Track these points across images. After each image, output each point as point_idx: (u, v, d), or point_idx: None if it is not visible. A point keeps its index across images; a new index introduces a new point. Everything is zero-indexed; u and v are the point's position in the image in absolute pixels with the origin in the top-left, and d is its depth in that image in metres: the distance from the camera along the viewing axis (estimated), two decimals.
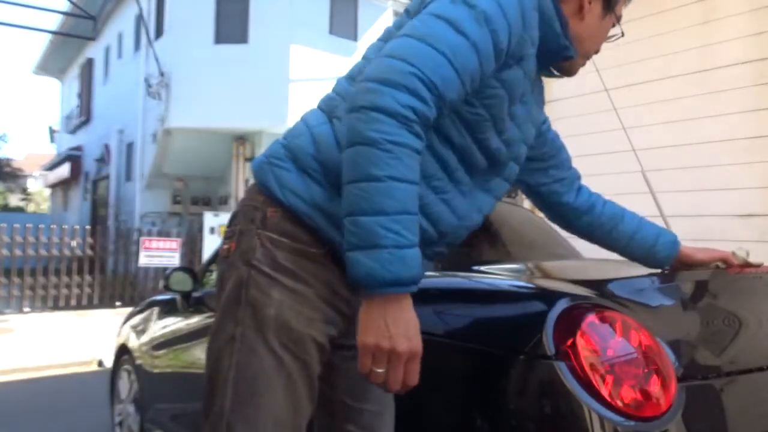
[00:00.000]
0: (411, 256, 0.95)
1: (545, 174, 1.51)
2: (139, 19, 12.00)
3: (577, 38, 1.26)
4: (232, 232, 1.17)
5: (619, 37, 1.41)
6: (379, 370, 0.98)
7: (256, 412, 1.07)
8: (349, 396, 1.26)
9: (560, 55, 1.25)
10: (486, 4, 1.05)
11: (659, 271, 1.69)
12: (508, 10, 1.07)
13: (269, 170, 1.16)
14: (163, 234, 10.70)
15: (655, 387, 1.24)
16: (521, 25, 1.10)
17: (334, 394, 1.27)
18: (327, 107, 1.21)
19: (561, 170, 1.53)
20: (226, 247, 1.17)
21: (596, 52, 1.36)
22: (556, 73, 1.34)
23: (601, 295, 1.44)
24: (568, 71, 1.33)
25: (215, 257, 3.09)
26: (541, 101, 1.38)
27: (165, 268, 8.28)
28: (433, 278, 1.89)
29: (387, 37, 1.21)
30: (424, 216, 1.12)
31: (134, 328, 3.61)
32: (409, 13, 1.20)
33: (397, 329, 0.96)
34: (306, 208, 1.11)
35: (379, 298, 0.96)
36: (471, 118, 1.13)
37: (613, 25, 1.35)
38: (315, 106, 1.27)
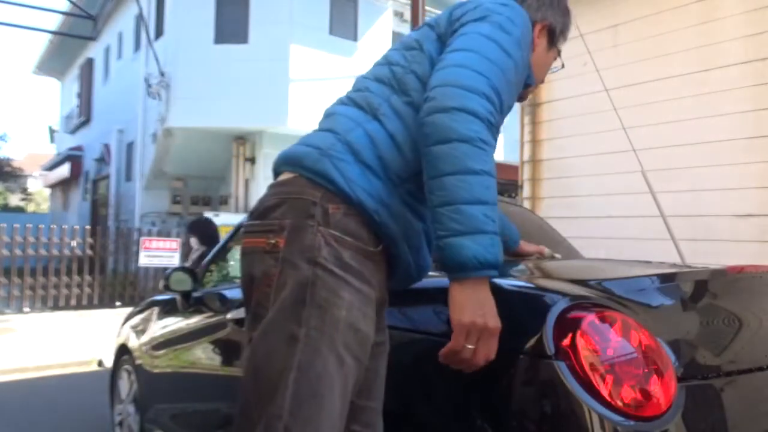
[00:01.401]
0: (497, 243, 1.06)
1: None
2: (139, 19, 12.00)
3: (532, 67, 1.37)
4: (276, 226, 1.11)
5: (559, 69, 1.60)
6: (470, 346, 1.07)
7: (317, 413, 1.05)
8: (357, 395, 1.24)
9: (524, 83, 1.33)
10: (517, 32, 1.20)
11: (659, 271, 1.69)
12: (525, 37, 1.23)
13: (330, 163, 1.12)
14: (163, 234, 10.70)
15: (655, 387, 1.24)
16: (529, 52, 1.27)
17: None
18: (367, 106, 1.23)
19: None
20: (272, 241, 1.11)
21: (541, 82, 1.47)
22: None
23: (601, 295, 1.44)
24: (522, 98, 1.42)
25: (216, 256, 3.09)
26: None
27: (165, 268, 8.28)
28: (433, 278, 1.89)
29: (409, 46, 1.27)
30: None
31: (134, 328, 3.61)
32: (433, 28, 1.27)
33: (488, 308, 1.06)
34: (373, 203, 1.12)
35: (474, 280, 1.05)
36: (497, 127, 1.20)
37: (555, 59, 1.50)
38: (341, 102, 1.30)
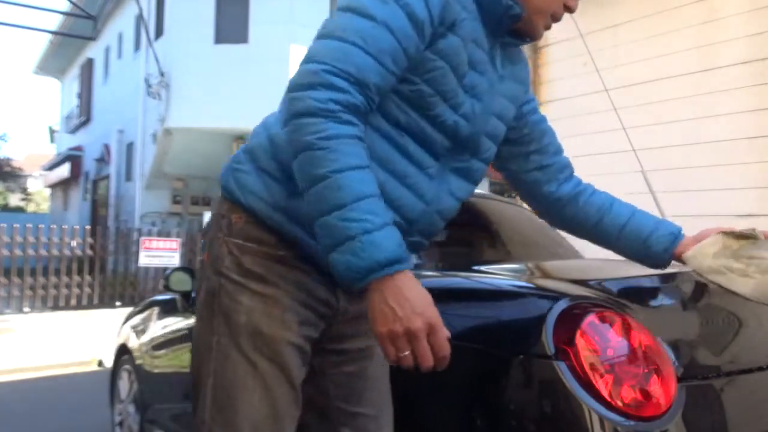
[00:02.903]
0: (383, 237, 0.93)
1: (526, 160, 1.40)
2: (139, 19, 12.00)
3: None
4: (204, 243, 1.20)
5: None
6: (405, 353, 0.95)
7: (234, 417, 1.08)
8: (343, 400, 1.24)
9: (507, 16, 1.14)
10: None
11: (659, 271, 1.69)
12: None
13: (231, 175, 1.17)
14: (163, 234, 10.70)
15: (655, 387, 1.24)
16: None
17: (327, 400, 1.25)
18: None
19: (544, 156, 1.41)
20: (201, 258, 1.20)
21: (568, 9, 1.23)
22: (518, 40, 1.24)
23: (601, 295, 1.44)
24: (530, 34, 1.22)
25: None
26: (520, 75, 1.31)
27: (165, 268, 8.28)
28: (434, 278, 1.89)
29: None
30: (385, 203, 1.05)
31: (134, 328, 3.61)
32: None
33: (403, 309, 0.93)
34: (266, 209, 1.11)
35: (374, 287, 0.93)
36: (414, 96, 1.09)
37: None
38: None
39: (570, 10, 1.23)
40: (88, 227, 10.98)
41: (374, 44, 1.00)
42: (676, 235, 1.39)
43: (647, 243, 1.39)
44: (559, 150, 1.47)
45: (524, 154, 1.40)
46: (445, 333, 0.97)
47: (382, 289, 0.93)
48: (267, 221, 1.11)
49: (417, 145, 1.12)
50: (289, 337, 1.10)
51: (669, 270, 1.75)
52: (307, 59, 1.01)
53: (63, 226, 10.56)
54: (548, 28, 1.24)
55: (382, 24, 1.02)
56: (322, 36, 1.03)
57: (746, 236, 1.28)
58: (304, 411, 1.18)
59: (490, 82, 1.19)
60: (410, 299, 0.93)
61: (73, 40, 16.53)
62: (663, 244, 1.38)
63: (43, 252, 9.75)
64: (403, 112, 1.09)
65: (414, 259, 1.13)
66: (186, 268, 3.05)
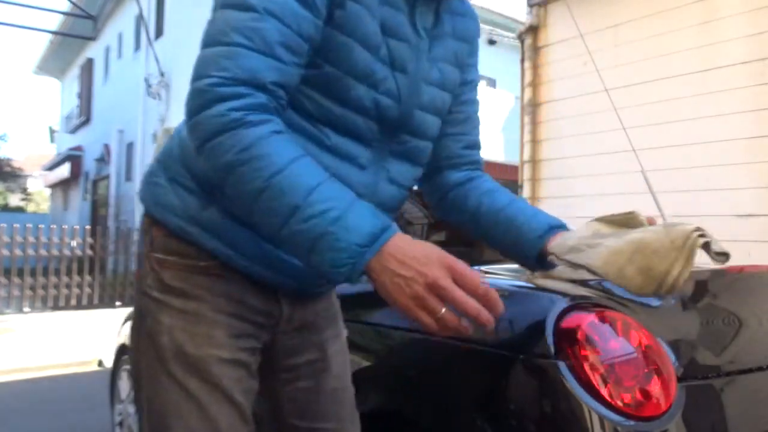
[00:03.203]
0: (353, 217, 0.82)
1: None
2: (139, 19, 12.00)
3: None
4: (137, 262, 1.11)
5: None
6: (442, 312, 0.80)
7: None
8: (298, 417, 1.16)
9: None
10: None
11: None
12: None
13: (147, 189, 1.08)
14: None
15: (655, 387, 1.24)
16: None
17: (282, 418, 1.17)
18: None
19: (453, 145, 1.24)
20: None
21: None
22: None
23: (601, 295, 1.44)
24: None
25: None
26: (462, 31, 1.15)
27: None
28: None
29: None
30: None
31: None
32: None
33: (412, 268, 0.80)
34: (178, 221, 1.01)
35: (372, 268, 0.82)
36: (323, 81, 0.95)
37: None
38: None
39: None
40: (88, 227, 10.98)
41: (260, 38, 0.88)
42: (557, 226, 1.17)
43: (522, 229, 1.17)
44: (473, 145, 1.26)
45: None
46: (467, 268, 0.82)
47: (380, 266, 0.82)
48: (179, 233, 1.01)
49: (339, 136, 0.98)
50: (220, 353, 0.99)
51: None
52: (194, 76, 0.89)
53: (63, 226, 10.56)
54: None
55: (264, 12, 0.88)
56: (205, 44, 0.91)
57: (622, 221, 1.08)
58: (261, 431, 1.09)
59: (415, 47, 1.03)
60: (414, 256, 0.81)
61: (73, 40, 16.54)
62: (538, 231, 1.16)
63: (43, 252, 9.74)
64: (314, 102, 0.96)
65: None
66: None
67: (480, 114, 1.28)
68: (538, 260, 1.16)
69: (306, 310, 1.14)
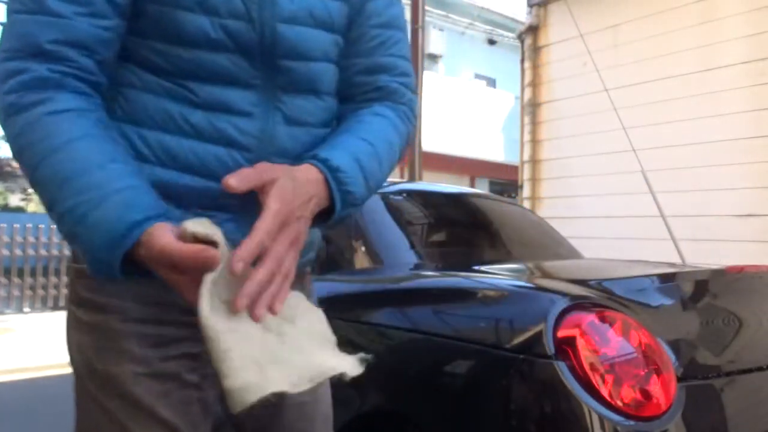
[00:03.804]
0: (98, 216, 0.71)
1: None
2: None
3: None
4: None
5: None
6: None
7: None
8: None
9: None
10: None
11: (659, 271, 1.69)
12: None
13: None
14: None
15: (655, 387, 1.24)
16: None
17: None
18: None
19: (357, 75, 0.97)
20: None
21: None
22: None
23: (601, 295, 1.44)
24: None
25: None
26: None
27: None
28: (433, 278, 1.89)
29: None
30: (184, 170, 0.83)
31: None
32: None
33: (160, 268, 0.72)
34: None
35: (141, 261, 0.72)
36: (155, 25, 0.81)
37: None
38: None
39: None
40: None
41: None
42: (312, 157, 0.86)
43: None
44: (373, 69, 0.96)
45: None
46: (179, 254, 0.69)
47: (143, 257, 0.72)
48: None
49: (207, 85, 0.83)
50: (134, 368, 0.84)
51: (669, 270, 1.75)
52: None
53: None
54: None
55: None
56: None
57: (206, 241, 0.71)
58: None
59: None
60: (157, 260, 0.72)
61: None
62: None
63: (43, 252, 9.74)
64: (160, 54, 0.82)
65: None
66: None
67: (396, 29, 0.99)
68: None
69: None
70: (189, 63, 0.81)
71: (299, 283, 0.94)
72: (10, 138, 0.76)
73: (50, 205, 0.74)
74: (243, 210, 0.82)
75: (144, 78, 0.83)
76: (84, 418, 0.89)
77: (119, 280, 0.78)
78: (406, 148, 0.99)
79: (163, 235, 0.70)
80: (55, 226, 0.85)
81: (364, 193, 0.87)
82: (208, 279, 0.68)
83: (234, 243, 0.72)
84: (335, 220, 0.84)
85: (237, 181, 0.72)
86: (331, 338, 0.81)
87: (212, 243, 0.69)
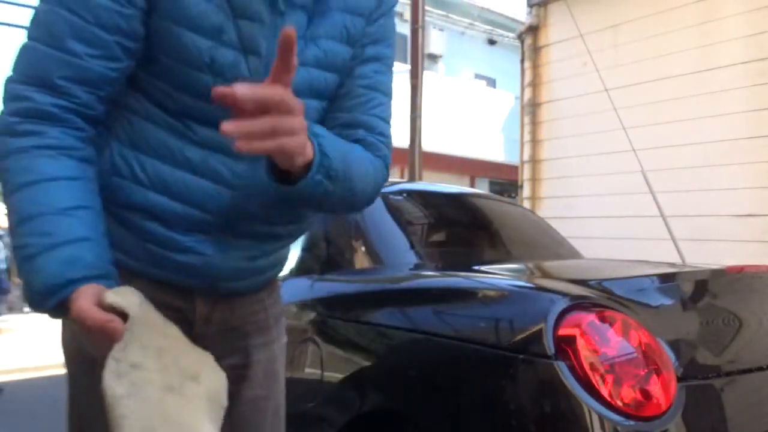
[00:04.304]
0: (41, 262, 0.79)
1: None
2: None
3: None
4: None
5: None
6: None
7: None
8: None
9: None
10: None
11: (659, 271, 1.69)
12: None
13: None
14: None
15: (655, 387, 1.24)
16: None
17: None
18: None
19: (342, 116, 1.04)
20: None
21: None
22: None
23: (601, 295, 1.44)
24: None
25: None
26: (353, 3, 0.99)
27: None
28: (433, 278, 1.89)
29: None
30: (173, 198, 0.91)
31: None
32: None
33: (83, 329, 0.79)
34: None
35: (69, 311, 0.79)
36: (165, 73, 0.89)
37: None
38: None
39: None
40: None
41: (49, 31, 0.83)
42: None
43: None
44: (352, 124, 1.02)
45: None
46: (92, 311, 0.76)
47: (72, 313, 0.77)
48: None
49: (205, 128, 0.90)
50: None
51: (669, 270, 1.75)
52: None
53: None
54: None
55: (55, 3, 0.83)
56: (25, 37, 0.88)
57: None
58: None
59: (271, 26, 0.91)
60: (80, 322, 0.77)
61: None
62: None
63: None
64: (167, 95, 0.89)
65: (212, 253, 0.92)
66: None
67: (381, 93, 1.05)
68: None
69: (231, 313, 1.05)
70: (192, 109, 0.89)
71: (268, 290, 1.10)
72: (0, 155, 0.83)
73: (11, 232, 0.83)
74: (221, 232, 0.92)
75: (149, 109, 0.90)
76: (80, 399, 0.98)
77: (120, 277, 0.86)
78: (375, 196, 1.04)
79: (84, 300, 0.76)
80: None
81: (340, 172, 0.88)
82: (115, 348, 0.75)
83: (212, 263, 0.90)
84: (307, 183, 0.84)
85: (244, 92, 0.71)
86: (225, 404, 0.85)
87: (123, 315, 0.76)
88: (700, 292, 1.65)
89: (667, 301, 1.59)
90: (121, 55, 0.86)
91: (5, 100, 0.84)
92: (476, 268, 1.93)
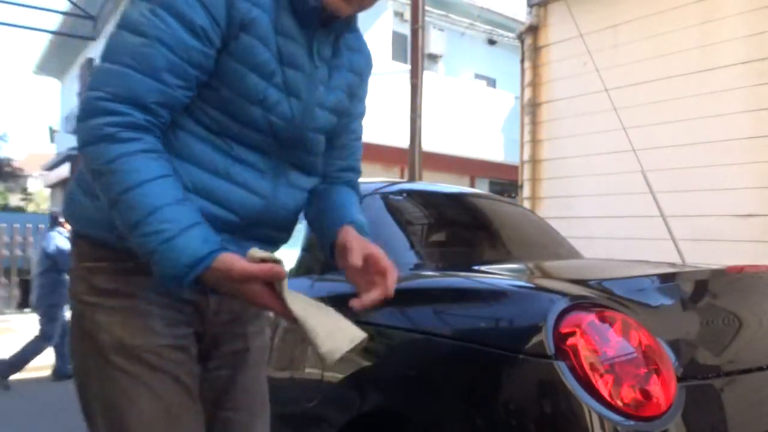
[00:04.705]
0: (182, 242, 0.95)
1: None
2: None
3: None
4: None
5: None
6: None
7: (127, 427, 1.09)
8: (213, 404, 1.23)
9: (307, 10, 1.10)
10: None
11: (659, 271, 1.69)
12: None
13: (68, 207, 1.17)
14: None
15: (655, 387, 1.24)
16: None
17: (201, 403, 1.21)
18: None
19: (330, 164, 1.31)
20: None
21: None
22: (337, 26, 1.17)
23: (601, 295, 1.44)
24: (335, 10, 1.11)
25: None
26: (355, 65, 1.24)
27: None
28: (433, 278, 1.89)
29: None
30: (214, 203, 1.09)
31: None
32: None
33: (230, 287, 0.99)
34: (98, 232, 1.10)
35: (205, 282, 0.98)
36: (220, 100, 1.07)
37: None
38: None
39: None
40: None
41: (146, 63, 0.99)
42: (351, 222, 1.19)
43: (325, 221, 1.24)
44: (347, 168, 1.33)
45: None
46: (245, 269, 0.97)
47: (212, 281, 0.98)
48: (109, 244, 1.10)
49: (239, 146, 1.10)
50: (159, 341, 1.10)
51: (669, 270, 1.75)
52: (88, 87, 1.00)
53: None
54: (358, 10, 1.14)
55: (154, 40, 0.99)
56: (103, 58, 1.02)
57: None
58: None
59: (310, 75, 1.14)
60: (229, 277, 0.97)
61: (73, 40, 16.52)
62: (335, 223, 1.21)
63: None
64: (214, 120, 1.08)
65: (273, 253, 1.04)
66: None
67: (361, 141, 1.36)
68: (331, 251, 1.21)
69: (234, 304, 1.22)
70: (233, 132, 1.09)
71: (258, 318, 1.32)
72: (100, 160, 0.97)
73: (135, 224, 0.96)
74: (241, 233, 1.12)
75: (196, 129, 1.08)
76: (107, 389, 1.09)
77: (143, 272, 1.03)
78: None
79: (239, 260, 0.97)
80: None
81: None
82: (285, 284, 0.98)
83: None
84: None
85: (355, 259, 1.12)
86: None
87: (275, 261, 0.97)
88: (700, 292, 1.65)
89: (667, 301, 1.59)
90: (195, 86, 1.04)
91: (94, 114, 0.98)
92: (476, 268, 1.93)
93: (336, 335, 1.00)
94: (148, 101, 0.99)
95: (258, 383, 1.31)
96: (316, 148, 1.21)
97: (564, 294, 1.39)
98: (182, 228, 0.96)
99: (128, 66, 0.99)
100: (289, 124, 1.12)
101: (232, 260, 0.97)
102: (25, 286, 9.53)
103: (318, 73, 1.15)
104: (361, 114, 1.33)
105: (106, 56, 1.02)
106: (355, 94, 1.27)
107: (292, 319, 0.99)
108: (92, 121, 0.97)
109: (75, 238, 1.17)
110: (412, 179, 5.47)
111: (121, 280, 1.10)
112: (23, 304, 9.48)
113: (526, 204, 5.41)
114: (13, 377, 5.54)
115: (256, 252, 0.97)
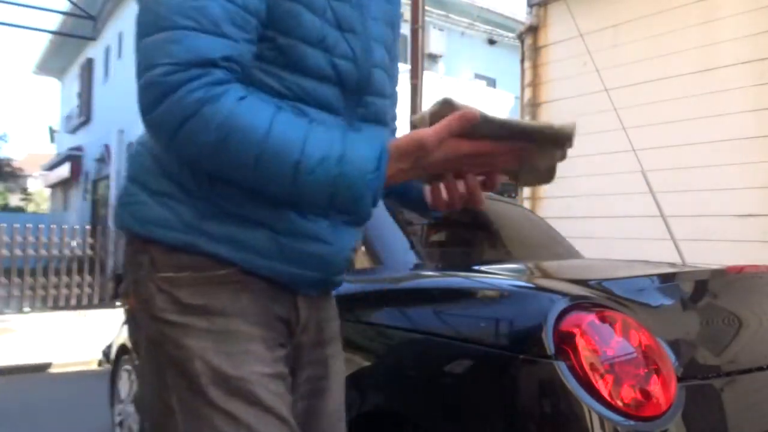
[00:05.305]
0: (352, 152, 0.83)
1: None
2: None
3: None
4: (126, 287, 1.00)
5: None
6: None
7: None
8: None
9: None
10: None
11: (659, 271, 1.69)
12: None
13: (126, 211, 0.99)
14: None
15: (655, 387, 1.24)
16: None
17: None
18: None
19: None
20: (127, 307, 1.01)
21: None
22: None
23: (601, 295, 1.44)
24: None
25: None
26: None
27: None
28: (433, 278, 1.89)
29: None
30: None
31: None
32: None
33: (410, 162, 0.86)
34: (176, 234, 0.93)
35: (390, 180, 0.86)
36: (278, 54, 0.93)
37: None
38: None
39: None
40: (88, 227, 10.97)
41: (205, 18, 0.84)
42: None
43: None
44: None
45: None
46: (435, 134, 0.84)
47: (393, 173, 0.86)
48: (179, 245, 0.93)
49: (313, 109, 0.95)
50: (262, 369, 0.92)
51: (669, 270, 1.75)
52: (141, 69, 0.86)
53: (63, 226, 10.56)
54: None
55: None
56: (143, 34, 0.88)
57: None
58: None
59: (357, 5, 1.00)
60: (407, 152, 0.85)
61: (73, 40, 16.52)
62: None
63: (43, 252, 9.74)
64: (278, 78, 0.93)
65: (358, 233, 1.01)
66: None
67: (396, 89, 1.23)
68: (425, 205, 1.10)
69: (319, 315, 1.09)
70: (301, 89, 0.94)
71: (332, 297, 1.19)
72: (211, 126, 0.81)
73: (296, 164, 0.82)
74: (337, 214, 0.97)
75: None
76: (202, 428, 0.90)
77: (234, 282, 0.92)
78: None
79: (422, 131, 0.84)
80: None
81: None
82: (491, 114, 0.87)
83: (334, 251, 1.00)
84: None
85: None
86: None
87: (450, 105, 0.86)
88: (700, 292, 1.65)
89: (667, 301, 1.59)
90: (256, 37, 0.90)
91: (169, 90, 0.82)
92: (476, 268, 1.93)
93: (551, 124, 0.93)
94: (217, 57, 0.84)
95: (339, 414, 1.14)
96: (383, 89, 1.07)
97: (564, 294, 1.39)
98: (341, 138, 0.84)
99: (184, 27, 0.84)
100: (353, 64, 0.98)
101: (419, 132, 0.84)
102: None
103: (363, 2, 1.02)
104: (397, 57, 1.16)
105: (149, 28, 0.87)
106: (396, 23, 1.14)
107: (518, 149, 0.92)
108: (170, 99, 0.82)
109: (143, 244, 0.96)
110: None
111: (211, 293, 0.92)
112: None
113: (526, 204, 5.41)
114: (13, 377, 5.54)
115: (430, 108, 0.88)
